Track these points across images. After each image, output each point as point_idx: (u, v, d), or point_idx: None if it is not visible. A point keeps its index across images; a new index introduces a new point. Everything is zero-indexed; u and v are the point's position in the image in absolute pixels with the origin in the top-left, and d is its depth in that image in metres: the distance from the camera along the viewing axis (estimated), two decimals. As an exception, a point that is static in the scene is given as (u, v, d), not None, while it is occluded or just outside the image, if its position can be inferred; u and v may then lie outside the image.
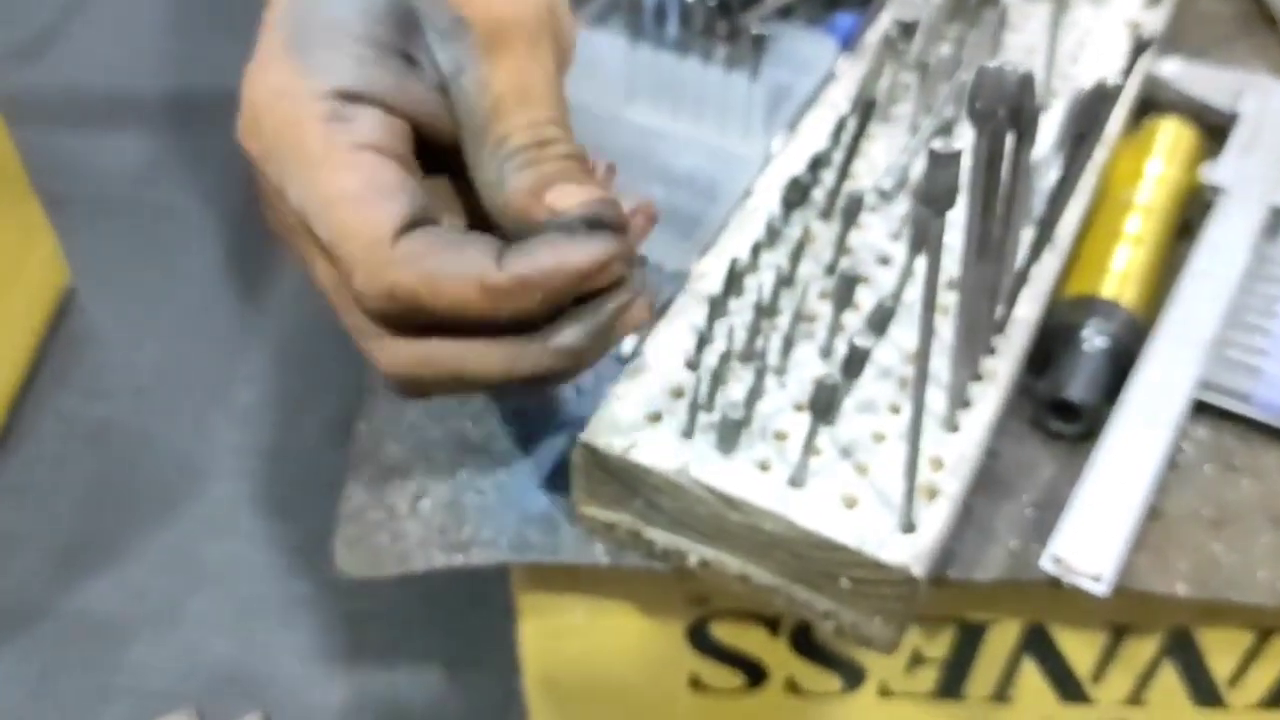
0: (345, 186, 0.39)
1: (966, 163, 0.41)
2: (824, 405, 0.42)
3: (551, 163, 0.41)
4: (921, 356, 0.40)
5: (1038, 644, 0.59)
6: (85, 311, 1.34)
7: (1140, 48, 0.48)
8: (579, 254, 0.40)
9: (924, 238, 0.46)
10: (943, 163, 0.34)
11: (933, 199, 0.34)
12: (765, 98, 0.68)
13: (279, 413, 1.25)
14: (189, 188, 1.49)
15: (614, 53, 0.70)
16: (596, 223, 0.40)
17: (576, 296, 0.41)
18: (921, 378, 0.40)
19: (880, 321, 0.45)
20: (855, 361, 0.43)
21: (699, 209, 0.66)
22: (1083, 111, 0.44)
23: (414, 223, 0.40)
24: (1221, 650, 0.59)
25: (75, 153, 1.53)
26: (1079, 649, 0.59)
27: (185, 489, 1.19)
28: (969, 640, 0.59)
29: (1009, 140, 0.42)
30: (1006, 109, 0.40)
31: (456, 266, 0.39)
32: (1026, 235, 0.53)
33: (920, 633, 0.59)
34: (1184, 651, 0.59)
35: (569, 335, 0.42)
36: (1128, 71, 0.49)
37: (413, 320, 0.41)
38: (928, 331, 0.39)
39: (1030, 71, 0.42)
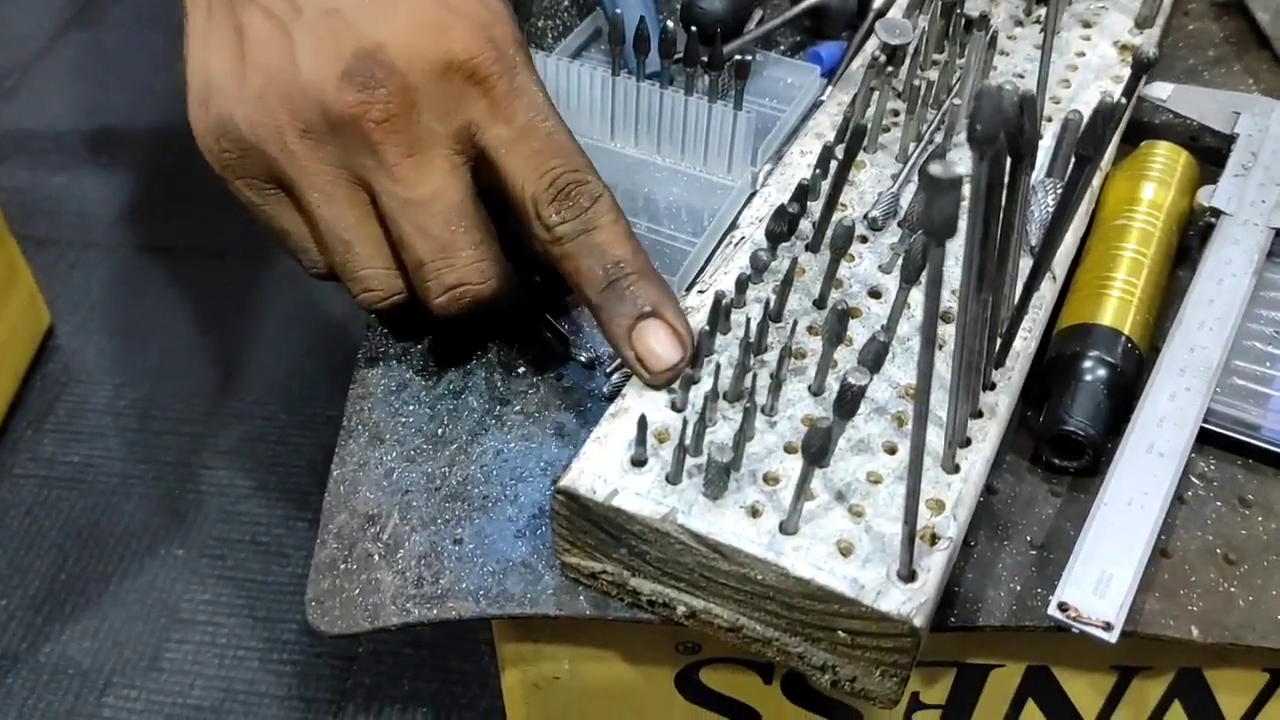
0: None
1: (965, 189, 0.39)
2: (817, 449, 0.40)
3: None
4: (922, 395, 0.38)
5: (1041, 686, 0.57)
6: (65, 353, 1.32)
7: (1143, 66, 0.46)
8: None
9: (919, 269, 0.45)
10: (942, 188, 0.31)
11: (932, 228, 0.32)
12: (749, 128, 0.66)
13: (265, 452, 1.22)
14: (171, 226, 1.47)
15: (594, 84, 0.69)
16: None
17: None
18: (922, 417, 0.38)
19: (874, 358, 0.43)
20: (849, 401, 0.41)
21: (685, 241, 0.64)
22: (1086, 132, 0.42)
23: None
24: (1233, 690, 0.56)
25: (54, 193, 1.51)
26: (1085, 691, 0.57)
27: (167, 532, 1.16)
28: (970, 684, 0.57)
29: (1008, 165, 0.41)
30: (1006, 133, 0.38)
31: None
32: (1023, 264, 0.52)
33: (919, 677, 0.57)
34: (1194, 692, 0.57)
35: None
36: (1130, 91, 0.47)
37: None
38: (927, 368, 0.37)
39: (1031, 92, 0.40)
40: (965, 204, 0.38)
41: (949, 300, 0.53)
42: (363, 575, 0.51)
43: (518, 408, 0.57)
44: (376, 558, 0.52)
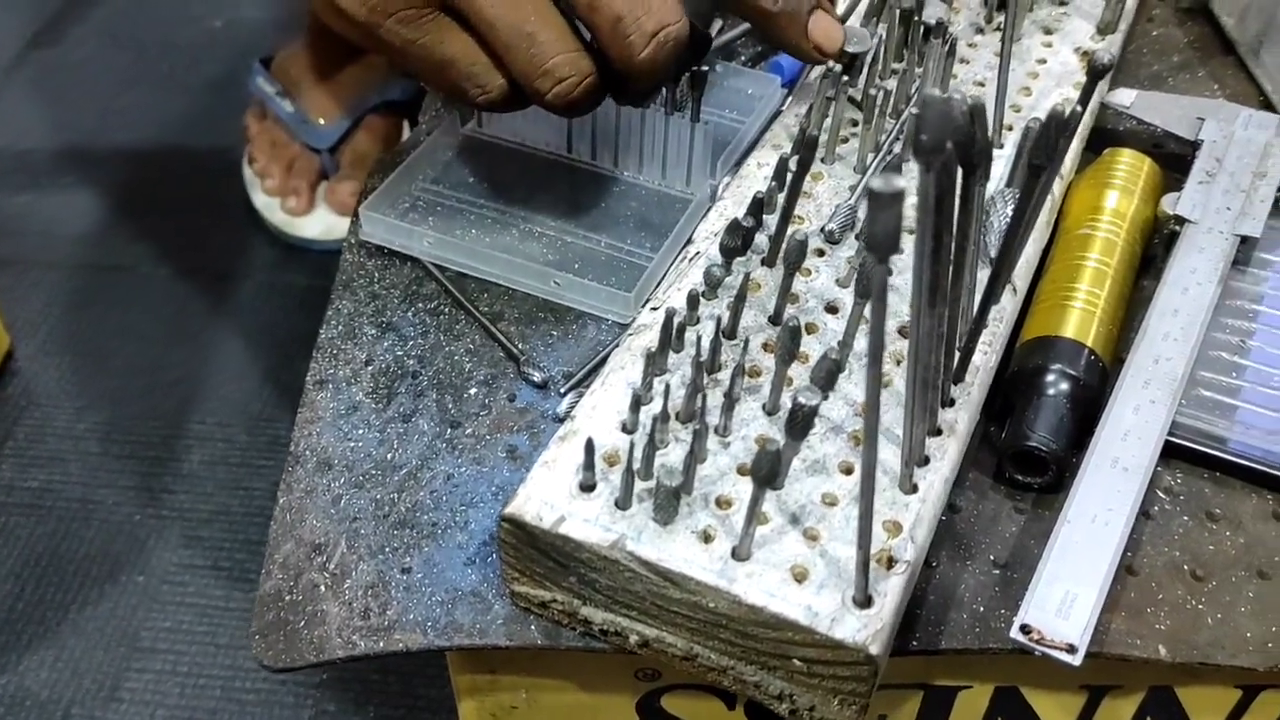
0: None
1: (913, 202, 0.38)
2: (767, 472, 0.39)
3: None
4: (870, 414, 0.36)
5: (1010, 707, 0.56)
6: (25, 376, 1.29)
7: (1098, 72, 0.45)
8: None
9: (869, 284, 0.43)
10: (883, 204, 0.30)
11: (874, 243, 0.31)
12: (707, 140, 0.65)
13: (227, 476, 1.20)
14: (134, 247, 1.45)
15: (551, 95, 0.67)
16: None
17: None
18: (871, 437, 0.37)
19: (827, 376, 0.41)
20: (800, 421, 0.39)
21: (643, 256, 0.63)
22: (1039, 141, 0.41)
23: None
24: (1206, 708, 0.55)
25: (17, 213, 1.49)
26: (1054, 711, 0.56)
27: (127, 558, 1.14)
28: (938, 706, 0.55)
29: (959, 176, 0.39)
30: (955, 142, 0.37)
31: None
32: (982, 276, 0.50)
33: (886, 699, 0.55)
34: (1166, 710, 0.55)
35: None
36: (1085, 98, 0.46)
37: None
38: (875, 387, 0.35)
39: (980, 101, 0.39)
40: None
41: (908, 314, 0.51)
42: (308, 607, 0.50)
43: (469, 430, 0.55)
44: (323, 588, 0.50)
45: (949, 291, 0.42)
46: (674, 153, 0.66)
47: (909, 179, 0.57)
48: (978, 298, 0.49)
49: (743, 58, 0.78)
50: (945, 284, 0.41)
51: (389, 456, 0.55)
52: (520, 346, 0.59)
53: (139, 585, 1.11)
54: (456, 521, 0.52)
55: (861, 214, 0.57)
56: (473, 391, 0.57)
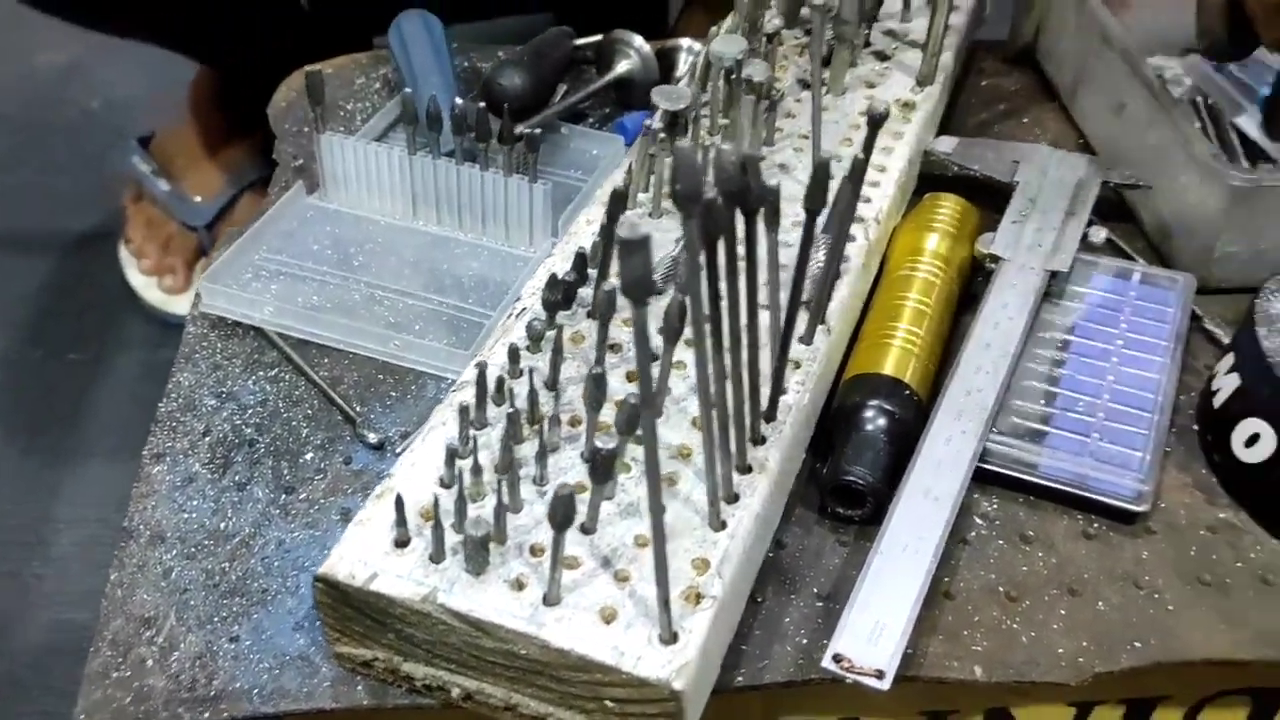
0: None
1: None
2: (563, 517, 0.40)
3: None
4: (650, 455, 0.37)
5: (858, 739, 0.57)
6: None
7: (876, 122, 0.47)
8: None
9: (676, 330, 0.45)
10: (631, 249, 0.31)
11: (628, 289, 0.32)
12: (546, 200, 0.67)
13: (99, 557, 1.17)
14: (6, 329, 1.42)
15: (393, 164, 0.69)
16: None
17: None
18: (653, 472, 0.38)
19: (628, 421, 0.42)
20: (599, 466, 0.40)
21: (484, 315, 0.63)
22: (810, 188, 0.42)
23: None
24: (1045, 728, 0.57)
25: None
26: (899, 739, 0.57)
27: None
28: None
29: (740, 222, 0.41)
30: (729, 191, 0.39)
31: None
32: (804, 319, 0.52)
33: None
34: (1007, 733, 0.57)
35: None
36: (868, 146, 0.48)
37: None
38: (650, 425, 0.37)
39: (754, 153, 0.41)
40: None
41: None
42: (135, 682, 0.49)
43: (303, 495, 0.56)
44: (150, 662, 0.50)
45: (745, 334, 0.44)
46: (515, 213, 0.68)
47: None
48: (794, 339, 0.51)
49: (590, 120, 0.80)
50: (737, 325, 0.42)
51: (222, 526, 0.54)
52: (358, 409, 0.59)
53: (3, 674, 1.08)
54: (287, 587, 0.52)
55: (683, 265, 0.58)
56: (309, 456, 0.57)
